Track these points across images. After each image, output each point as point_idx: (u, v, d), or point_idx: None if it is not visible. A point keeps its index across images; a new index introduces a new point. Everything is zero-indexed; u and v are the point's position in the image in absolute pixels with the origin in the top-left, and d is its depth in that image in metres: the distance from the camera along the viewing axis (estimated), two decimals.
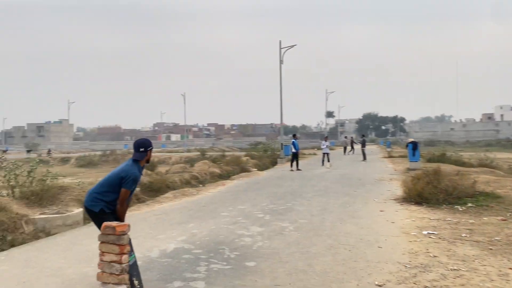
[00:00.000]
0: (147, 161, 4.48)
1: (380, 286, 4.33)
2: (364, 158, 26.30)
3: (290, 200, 10.36)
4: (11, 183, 9.41)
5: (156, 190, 12.34)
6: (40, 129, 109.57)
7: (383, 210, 8.74)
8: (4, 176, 9.42)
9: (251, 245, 6.11)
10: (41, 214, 7.86)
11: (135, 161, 4.34)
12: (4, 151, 43.37)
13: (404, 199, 9.82)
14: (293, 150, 19.80)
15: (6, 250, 6.25)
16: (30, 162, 10.29)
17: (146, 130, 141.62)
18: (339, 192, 11.79)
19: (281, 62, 28.97)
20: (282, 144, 28.04)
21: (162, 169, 21.60)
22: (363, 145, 28.26)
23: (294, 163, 19.81)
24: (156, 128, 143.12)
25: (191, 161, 26.79)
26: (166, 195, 11.50)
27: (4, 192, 9.17)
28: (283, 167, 21.91)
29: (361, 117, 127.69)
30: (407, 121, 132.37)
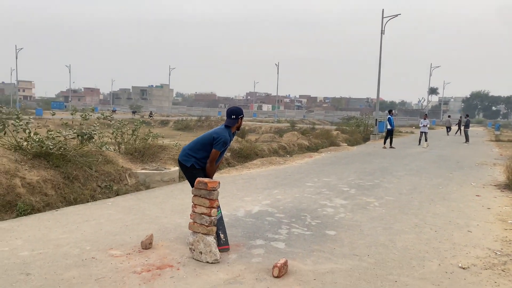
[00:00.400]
0: (238, 128, 4.79)
1: (464, 268, 4.24)
2: (467, 140, 24.54)
3: (378, 177, 10.22)
4: (118, 140, 10.51)
5: (245, 157, 12.91)
6: (143, 92, 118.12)
7: (480, 195, 8.27)
8: (112, 133, 10.50)
9: (333, 215, 6.26)
10: (142, 169, 8.74)
11: (227, 126, 4.67)
12: (113, 111, 48.02)
13: (507, 185, 9.15)
14: (388, 127, 19.24)
15: (112, 197, 7.14)
16: (134, 122, 11.32)
17: (239, 99, 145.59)
18: (433, 173, 11.30)
19: (382, 32, 27.68)
20: (376, 120, 27.17)
21: (252, 137, 22.32)
22: (467, 126, 26.30)
23: (388, 140, 19.35)
24: (249, 97, 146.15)
25: (280, 132, 27.20)
26: (254, 162, 11.99)
27: (112, 147, 10.27)
28: (376, 144, 21.36)
29: (468, 96, 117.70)
30: None
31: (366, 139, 25.27)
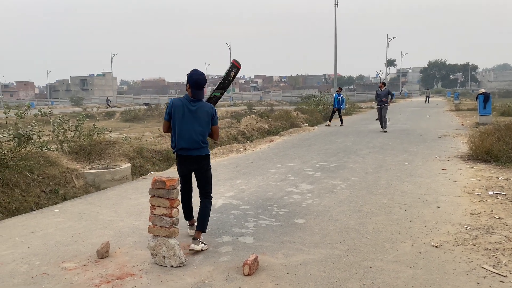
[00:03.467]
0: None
1: (436, 247, 4.41)
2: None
3: (342, 157, 10.43)
4: (60, 138, 10.09)
5: None
6: (84, 82, 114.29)
7: (445, 168, 8.62)
8: (53, 131, 10.07)
9: (300, 202, 6.32)
10: (90, 169, 8.46)
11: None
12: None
13: (470, 156, 9.59)
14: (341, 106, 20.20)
15: (59, 203, 6.86)
16: (77, 116, 10.91)
17: None
18: (397, 149, 11.67)
19: (336, 5, 28.03)
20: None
21: None
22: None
23: (338, 119, 20.42)
24: None
25: (237, 116, 27.16)
26: (213, 151, 11.90)
27: (54, 147, 9.85)
28: (336, 122, 21.78)
29: (426, 66, 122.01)
30: (479, 70, 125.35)
31: (326, 117, 25.69)
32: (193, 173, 4.75)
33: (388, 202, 6.19)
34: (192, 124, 4.47)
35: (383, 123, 16.47)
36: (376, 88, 19.49)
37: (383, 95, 16.56)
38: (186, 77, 4.49)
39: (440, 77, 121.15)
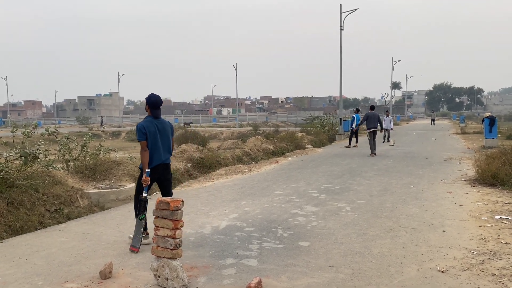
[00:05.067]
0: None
1: (442, 272, 4.35)
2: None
3: (347, 179, 10.39)
4: (65, 157, 10.15)
5: (207, 167, 12.81)
6: (91, 102, 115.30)
7: (451, 192, 8.56)
8: (59, 150, 10.14)
9: (305, 224, 6.28)
10: (95, 188, 8.48)
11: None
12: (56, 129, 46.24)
13: (476, 180, 9.53)
14: (353, 126, 19.84)
15: (63, 222, 6.86)
16: (83, 136, 10.99)
17: (196, 103, 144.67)
18: (403, 171, 11.63)
19: (341, 28, 28.33)
20: (341, 119, 27.75)
21: (213, 144, 22.21)
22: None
23: (354, 139, 20.12)
24: (207, 101, 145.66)
25: (243, 137, 27.24)
26: (218, 171, 11.90)
27: (59, 166, 9.90)
28: (342, 144, 21.77)
29: (431, 89, 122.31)
30: (485, 93, 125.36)
31: (331, 139, 25.74)
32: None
33: (394, 226, 6.14)
34: (163, 137, 5.39)
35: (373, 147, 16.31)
36: (382, 112, 19.60)
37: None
38: (145, 100, 5.46)
39: (445, 100, 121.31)
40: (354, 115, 20.21)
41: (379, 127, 16.92)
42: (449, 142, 22.24)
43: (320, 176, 11.08)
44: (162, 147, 5.36)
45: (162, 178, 5.51)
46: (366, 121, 16.38)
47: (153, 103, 5.36)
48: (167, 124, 5.52)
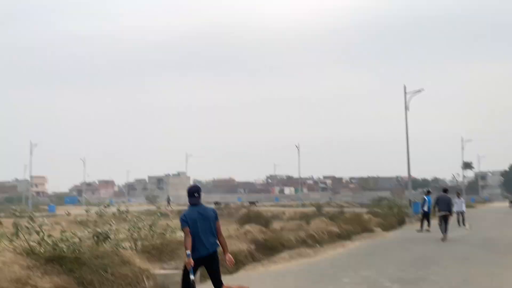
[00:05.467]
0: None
1: None
2: None
3: (421, 268, 9.71)
4: (134, 236, 10.39)
5: (271, 249, 12.53)
6: (160, 181, 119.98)
7: None
8: (128, 230, 10.41)
9: None
10: (161, 269, 8.51)
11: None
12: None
13: None
14: (425, 209, 18.89)
15: None
16: (152, 215, 11.28)
17: (259, 183, 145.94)
18: (483, 259, 10.72)
19: (406, 108, 28.21)
20: (410, 200, 26.67)
21: (276, 224, 21.91)
22: None
23: (426, 223, 18.94)
24: (269, 180, 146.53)
25: (306, 217, 26.68)
26: (282, 255, 11.61)
27: (128, 244, 10.12)
28: (413, 227, 20.70)
29: (507, 169, 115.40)
30: None
31: (401, 222, 24.56)
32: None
33: None
34: (205, 223, 5.56)
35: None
36: (454, 193, 18.62)
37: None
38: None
39: None
40: (425, 197, 19.37)
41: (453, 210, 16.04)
42: None
43: (390, 263, 10.45)
44: (205, 232, 5.56)
45: (209, 269, 5.72)
46: (437, 204, 15.64)
47: (187, 191, 5.86)
48: (209, 210, 5.83)
